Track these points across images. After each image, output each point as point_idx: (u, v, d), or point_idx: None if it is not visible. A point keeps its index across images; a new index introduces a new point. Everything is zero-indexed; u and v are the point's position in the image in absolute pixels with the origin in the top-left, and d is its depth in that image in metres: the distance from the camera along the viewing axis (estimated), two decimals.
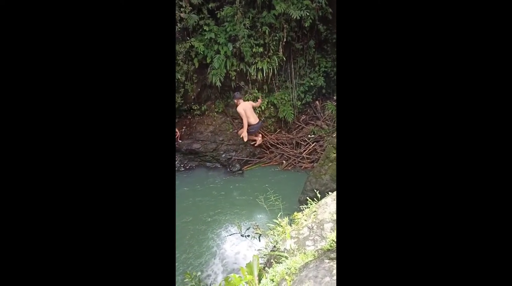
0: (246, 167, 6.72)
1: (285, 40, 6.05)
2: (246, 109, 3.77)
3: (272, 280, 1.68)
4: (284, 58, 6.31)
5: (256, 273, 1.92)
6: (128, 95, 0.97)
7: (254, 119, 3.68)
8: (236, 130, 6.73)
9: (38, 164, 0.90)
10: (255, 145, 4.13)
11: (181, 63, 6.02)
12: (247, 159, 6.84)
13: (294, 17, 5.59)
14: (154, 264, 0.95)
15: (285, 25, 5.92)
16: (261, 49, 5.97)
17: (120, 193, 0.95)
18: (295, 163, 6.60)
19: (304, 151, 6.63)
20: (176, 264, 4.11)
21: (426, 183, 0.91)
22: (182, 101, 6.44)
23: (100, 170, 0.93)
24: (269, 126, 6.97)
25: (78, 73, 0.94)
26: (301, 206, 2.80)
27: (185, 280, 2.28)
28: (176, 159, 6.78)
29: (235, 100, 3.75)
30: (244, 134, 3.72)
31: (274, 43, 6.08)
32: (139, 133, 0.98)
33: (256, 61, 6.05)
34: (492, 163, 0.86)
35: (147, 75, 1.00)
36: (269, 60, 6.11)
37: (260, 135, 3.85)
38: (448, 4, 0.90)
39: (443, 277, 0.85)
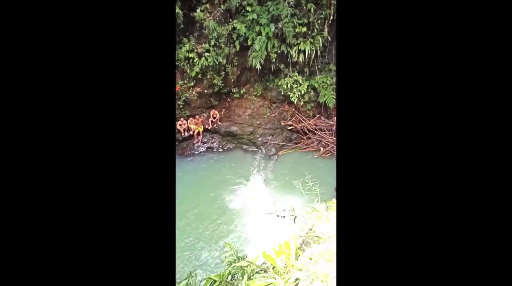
0: (281, 151, 6.76)
1: (331, 18, 5.62)
2: None
3: (311, 258, 1.72)
4: (329, 38, 5.90)
5: (293, 250, 1.98)
6: (130, 94, 0.96)
7: None
8: (273, 114, 6.78)
9: (49, 160, 0.88)
10: None
11: (223, 46, 6.10)
12: (283, 143, 6.83)
13: None
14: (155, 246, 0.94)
15: (332, 1, 5.46)
16: (304, 29, 5.66)
17: (121, 182, 0.93)
18: (333, 150, 6.36)
19: None
20: (199, 230, 4.52)
21: (425, 185, 0.88)
22: (223, 84, 6.60)
23: (102, 163, 0.93)
24: (307, 112, 6.77)
25: (82, 70, 0.93)
26: None
27: (225, 249, 2.49)
28: (215, 140, 7.16)
29: None
30: None
31: (319, 21, 5.69)
32: (140, 129, 0.97)
33: (299, 42, 5.79)
34: (488, 171, 0.81)
35: (148, 69, 0.97)
36: (312, 40, 5.78)
37: None
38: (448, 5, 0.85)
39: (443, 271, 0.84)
